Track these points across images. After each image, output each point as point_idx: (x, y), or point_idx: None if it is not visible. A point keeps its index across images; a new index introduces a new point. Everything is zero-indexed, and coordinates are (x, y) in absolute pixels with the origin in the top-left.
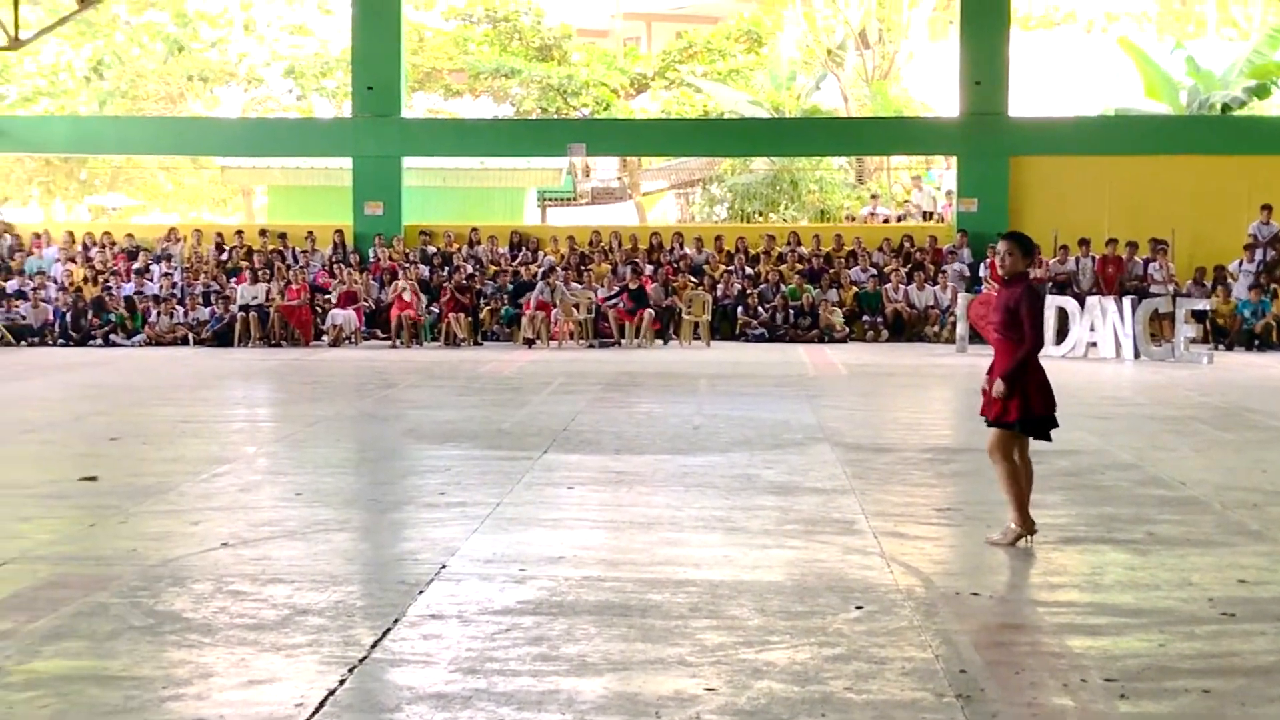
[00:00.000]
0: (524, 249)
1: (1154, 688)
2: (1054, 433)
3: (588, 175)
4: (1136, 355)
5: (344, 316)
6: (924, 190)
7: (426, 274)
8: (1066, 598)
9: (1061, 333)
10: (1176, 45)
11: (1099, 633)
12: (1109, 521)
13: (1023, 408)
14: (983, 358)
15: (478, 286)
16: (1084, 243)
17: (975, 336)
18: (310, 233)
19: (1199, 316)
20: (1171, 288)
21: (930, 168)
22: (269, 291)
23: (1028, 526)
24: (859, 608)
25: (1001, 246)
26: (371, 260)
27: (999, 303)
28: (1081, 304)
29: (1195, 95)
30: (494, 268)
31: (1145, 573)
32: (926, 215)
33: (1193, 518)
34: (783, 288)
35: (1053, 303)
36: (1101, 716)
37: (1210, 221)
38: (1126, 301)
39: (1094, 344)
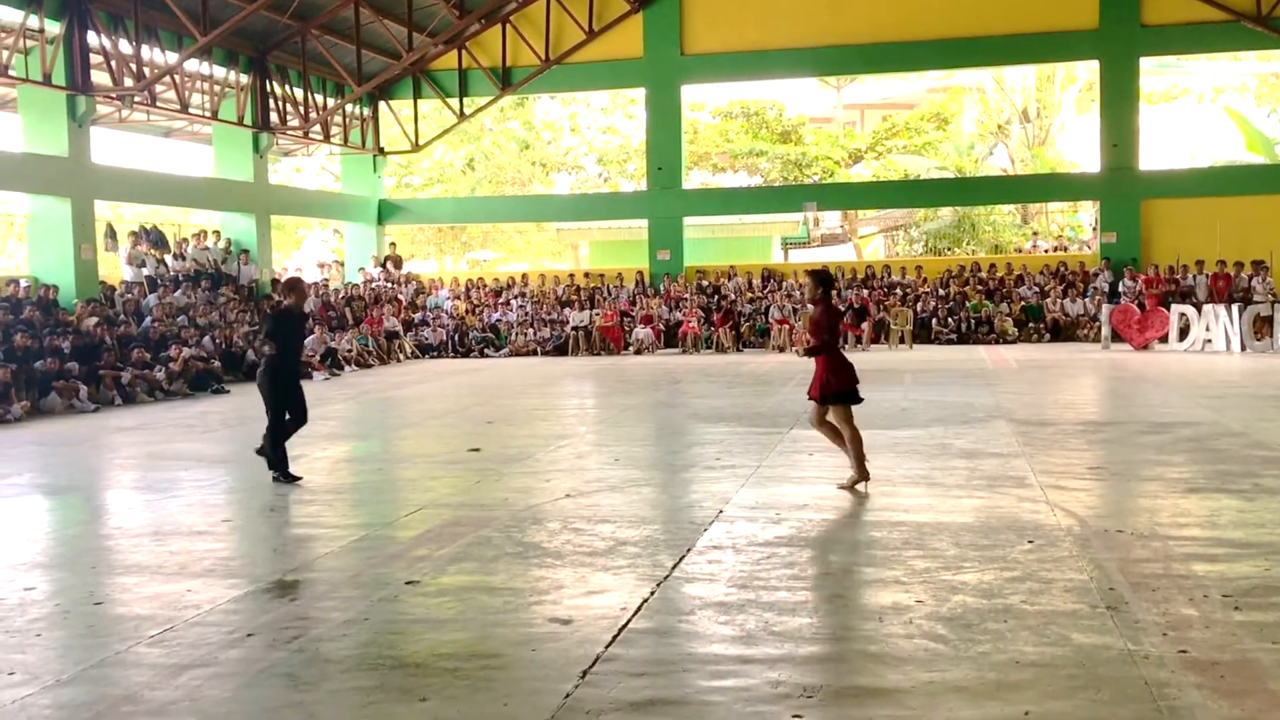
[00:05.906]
0: (771, 281)
1: (1261, 601)
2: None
3: (818, 225)
4: (1243, 349)
5: (644, 333)
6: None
7: (704, 301)
8: (1190, 534)
9: (1184, 332)
10: (1271, 111)
11: (1217, 560)
12: (1223, 476)
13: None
14: (1121, 354)
15: (739, 309)
16: (1200, 263)
17: (1116, 336)
18: (620, 274)
19: None
20: (1270, 297)
21: (1078, 211)
22: (591, 316)
23: (863, 474)
24: (1030, 542)
25: None
26: (663, 291)
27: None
28: (1199, 311)
29: None
30: (749, 295)
31: (1253, 515)
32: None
33: None
34: (967, 303)
35: (1177, 310)
36: (1219, 623)
37: None
38: (1235, 308)
39: (1209, 341)
